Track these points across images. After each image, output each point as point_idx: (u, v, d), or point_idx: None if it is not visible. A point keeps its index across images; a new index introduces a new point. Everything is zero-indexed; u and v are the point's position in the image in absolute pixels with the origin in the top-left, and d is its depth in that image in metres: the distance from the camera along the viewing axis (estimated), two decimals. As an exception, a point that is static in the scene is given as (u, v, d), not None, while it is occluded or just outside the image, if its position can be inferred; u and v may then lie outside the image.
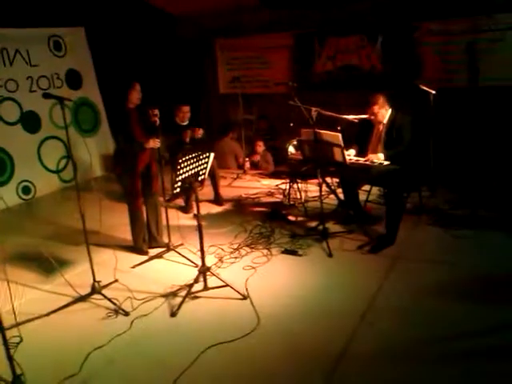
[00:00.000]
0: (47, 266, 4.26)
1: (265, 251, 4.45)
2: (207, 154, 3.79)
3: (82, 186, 3.83)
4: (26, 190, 6.58)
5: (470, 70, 5.96)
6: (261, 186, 6.61)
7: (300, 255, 4.34)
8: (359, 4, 6.85)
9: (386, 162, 4.46)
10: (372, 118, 4.73)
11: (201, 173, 3.77)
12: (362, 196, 5.33)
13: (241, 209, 5.79)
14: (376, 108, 4.67)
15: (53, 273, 4.24)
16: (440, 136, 5.66)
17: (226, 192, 6.27)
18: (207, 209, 5.66)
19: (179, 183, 3.54)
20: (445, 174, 5.90)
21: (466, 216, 4.95)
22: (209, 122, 8.12)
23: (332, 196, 5.57)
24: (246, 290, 3.77)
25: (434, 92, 5.37)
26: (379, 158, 4.56)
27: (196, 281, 3.74)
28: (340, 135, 4.34)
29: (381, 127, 4.78)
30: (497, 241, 4.42)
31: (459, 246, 4.38)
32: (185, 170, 3.55)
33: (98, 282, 3.80)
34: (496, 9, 6.12)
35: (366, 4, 6.83)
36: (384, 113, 4.72)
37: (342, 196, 5.08)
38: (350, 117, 4.99)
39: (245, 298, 3.64)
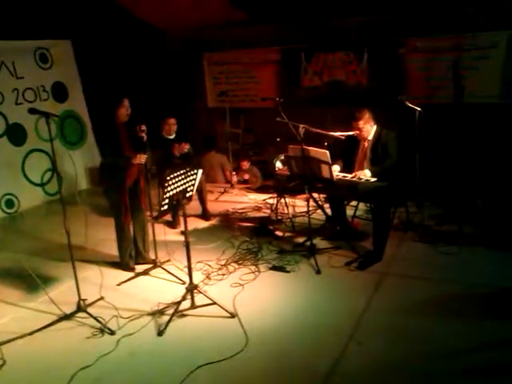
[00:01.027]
0: (31, 282, 4.20)
1: (252, 268, 4.43)
2: (195, 171, 3.78)
3: (67, 200, 3.80)
4: (10, 204, 6.49)
5: (455, 86, 6.04)
6: (248, 201, 6.61)
7: (288, 272, 4.33)
8: (345, 20, 6.94)
9: (372, 179, 4.49)
10: (357, 132, 4.77)
11: (188, 189, 3.75)
12: (350, 211, 5.36)
13: (228, 224, 5.77)
14: (361, 123, 4.71)
15: (36, 290, 4.16)
16: (425, 151, 5.72)
17: (213, 206, 6.24)
18: (194, 224, 5.63)
19: (167, 200, 3.51)
20: (430, 190, 5.96)
21: (451, 232, 5.00)
22: (196, 136, 8.11)
23: (319, 211, 5.58)
24: (234, 307, 3.74)
25: (419, 109, 5.44)
26: (366, 174, 4.59)
27: (183, 299, 3.70)
28: (328, 152, 4.36)
29: (366, 143, 4.82)
30: (482, 257, 4.47)
31: (446, 262, 4.42)
32: (173, 186, 3.53)
33: (84, 300, 3.75)
34: (479, 27, 6.25)
35: (352, 20, 6.92)
36: (369, 129, 4.77)
37: (329, 211, 5.09)
38: (337, 133, 5.03)
39: (233, 316, 3.61)
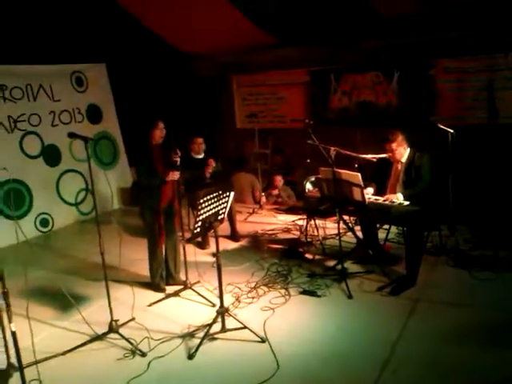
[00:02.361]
0: (64, 301, 4.24)
1: (282, 291, 4.40)
2: (227, 194, 3.80)
3: (100, 219, 3.84)
4: (45, 223, 6.66)
5: (489, 108, 5.96)
6: (277, 222, 6.59)
7: (319, 296, 4.27)
8: (374, 41, 6.94)
9: (405, 202, 4.43)
10: (390, 155, 4.72)
11: (221, 212, 3.77)
12: (381, 234, 5.28)
13: (257, 245, 5.77)
14: (394, 145, 4.65)
15: (70, 309, 4.22)
16: (458, 174, 5.62)
17: (242, 227, 6.25)
18: (223, 245, 5.62)
19: (200, 223, 3.54)
20: (464, 213, 5.83)
21: (486, 257, 4.87)
22: (225, 156, 8.19)
23: (350, 233, 5.52)
24: (265, 332, 3.71)
25: (451, 131, 5.37)
26: (398, 197, 4.53)
27: (214, 322, 3.69)
28: (359, 175, 4.33)
29: (399, 166, 4.76)
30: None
31: (481, 288, 4.30)
32: (206, 209, 3.55)
33: (116, 320, 3.78)
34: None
35: (382, 42, 6.92)
36: (402, 151, 4.71)
37: (360, 234, 5.03)
38: (369, 156, 4.98)
39: (263, 340, 3.58)
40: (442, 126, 5.45)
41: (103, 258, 3.75)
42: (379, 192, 4.77)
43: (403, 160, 4.71)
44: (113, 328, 3.74)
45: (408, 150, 4.72)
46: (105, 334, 3.74)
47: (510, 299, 4.06)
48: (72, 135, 3.72)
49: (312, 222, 5.78)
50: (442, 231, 5.28)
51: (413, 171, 4.62)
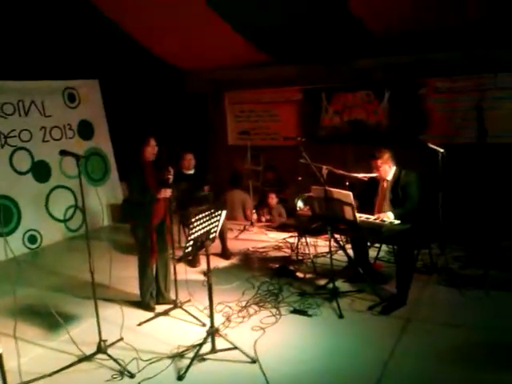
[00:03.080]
0: (52, 320, 4.17)
1: (273, 310, 4.36)
2: (219, 212, 3.79)
3: (90, 236, 3.79)
4: (33, 239, 6.59)
5: (479, 128, 6.03)
6: (268, 239, 6.58)
7: (310, 315, 4.24)
8: (365, 61, 7.04)
9: (396, 221, 4.44)
10: (375, 171, 4.77)
11: (212, 231, 3.76)
12: (372, 252, 5.29)
13: (248, 263, 5.74)
14: (379, 162, 4.72)
15: (57, 328, 4.15)
16: (448, 192, 5.66)
17: (232, 245, 6.22)
18: (214, 263, 5.57)
19: (191, 242, 3.52)
20: (454, 231, 5.86)
21: (477, 276, 4.88)
22: (216, 173, 8.20)
23: (341, 252, 5.52)
24: (255, 352, 3.67)
25: (442, 150, 5.42)
26: (389, 216, 4.55)
27: (204, 342, 3.65)
28: (351, 194, 4.35)
29: (385, 184, 4.82)
30: (510, 302, 4.34)
31: (472, 307, 4.30)
32: (197, 228, 3.53)
33: (104, 340, 3.72)
34: (501, 68, 6.27)
35: (373, 61, 7.02)
36: (387, 169, 4.77)
37: (351, 252, 5.03)
38: (360, 175, 5.02)
39: (254, 361, 3.54)
40: (432, 146, 5.50)
41: (93, 277, 3.70)
42: (367, 210, 4.79)
43: (389, 178, 4.77)
44: (101, 348, 3.68)
45: (394, 168, 4.77)
46: (93, 355, 3.68)
47: (500, 318, 4.06)
48: (63, 152, 3.70)
49: (303, 239, 5.78)
50: (433, 250, 5.30)
51: (399, 189, 4.67)
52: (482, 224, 5.77)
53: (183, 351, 3.74)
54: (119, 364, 3.56)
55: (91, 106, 7.57)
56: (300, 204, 5.82)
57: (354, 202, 4.35)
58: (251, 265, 5.67)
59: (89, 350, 3.72)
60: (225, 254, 5.91)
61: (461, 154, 6.24)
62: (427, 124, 6.83)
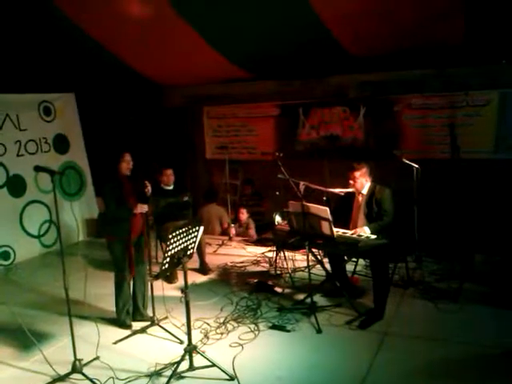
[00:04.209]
0: (25, 339, 4.08)
1: (252, 326, 4.35)
2: (197, 228, 3.78)
3: (65, 251, 3.71)
4: (6, 256, 6.43)
5: (452, 146, 6.18)
6: (246, 254, 6.57)
7: (288, 331, 4.24)
8: (342, 77, 7.17)
9: (372, 236, 4.50)
10: (351, 183, 4.85)
11: (189, 247, 3.74)
12: (349, 266, 5.33)
13: (226, 278, 5.72)
14: (357, 174, 4.80)
15: (30, 348, 4.06)
16: (423, 206, 5.77)
17: (211, 260, 6.19)
18: (192, 278, 5.55)
19: (168, 259, 3.49)
20: (429, 245, 5.97)
21: (452, 289, 4.96)
22: (195, 187, 8.19)
23: (319, 266, 5.55)
24: (234, 369, 3.64)
25: (416, 166, 5.53)
26: (365, 231, 4.61)
27: (181, 360, 3.61)
28: (328, 209, 4.39)
29: (360, 198, 4.89)
30: (483, 316, 4.43)
31: (447, 321, 4.37)
32: (174, 245, 3.51)
33: (79, 360, 3.65)
34: (472, 87, 6.46)
35: (349, 78, 7.16)
36: (364, 182, 4.85)
37: (328, 267, 5.06)
38: (337, 190, 5.08)
39: (232, 378, 3.52)
40: (406, 161, 5.62)
41: (67, 294, 3.63)
42: (341, 224, 4.84)
43: (364, 192, 4.85)
44: (76, 368, 3.60)
45: (369, 182, 4.85)
46: (67, 375, 3.60)
47: (474, 332, 4.13)
48: (38, 168, 3.65)
49: (281, 254, 5.79)
50: (409, 263, 5.38)
51: (374, 204, 4.75)
52: (456, 238, 5.88)
53: (161, 369, 3.69)
54: (95, 384, 3.49)
55: (67, 120, 7.48)
56: (278, 219, 5.83)
57: (330, 217, 4.39)
58: (230, 280, 5.64)
59: (63, 370, 3.64)
60: (203, 269, 5.88)
61: (435, 169, 6.39)
62: (402, 139, 6.97)
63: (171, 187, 6.01)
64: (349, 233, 4.65)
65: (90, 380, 3.51)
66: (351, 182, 4.84)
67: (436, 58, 6.19)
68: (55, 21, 5.78)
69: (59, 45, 6.37)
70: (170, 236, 3.47)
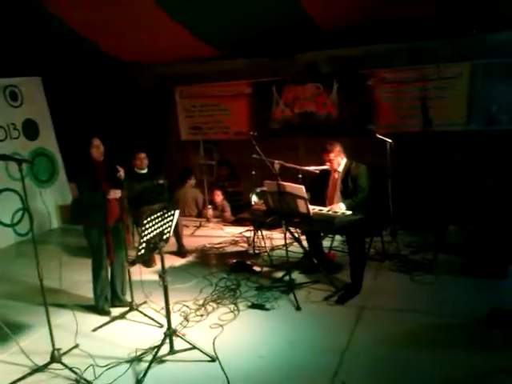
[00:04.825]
0: (1, 331, 4.01)
1: (231, 306, 4.37)
2: (172, 212, 3.74)
3: (39, 239, 3.65)
4: (-22, 246, 6.29)
5: (423, 117, 6.23)
6: (224, 234, 6.57)
7: (267, 309, 4.28)
8: (314, 53, 7.11)
9: (348, 212, 4.53)
10: (328, 164, 4.85)
11: (166, 231, 3.71)
12: (326, 242, 5.38)
13: (205, 260, 5.72)
14: (332, 155, 4.82)
15: (7, 340, 3.98)
16: (397, 179, 5.83)
17: (188, 242, 6.17)
18: (170, 261, 5.53)
19: (144, 244, 3.46)
20: (404, 218, 6.05)
21: (427, 261, 5.07)
22: (170, 169, 8.08)
23: (296, 243, 5.59)
24: (215, 350, 3.66)
25: (390, 141, 5.56)
26: (341, 207, 4.64)
27: (162, 344, 3.61)
28: (303, 187, 4.40)
29: (336, 175, 4.92)
30: (458, 286, 4.55)
31: (422, 292, 4.48)
32: (150, 230, 3.48)
33: (58, 349, 3.61)
34: (443, 59, 6.48)
35: (321, 53, 7.10)
36: (340, 161, 4.88)
37: (306, 244, 5.10)
38: (312, 168, 5.09)
39: (213, 360, 3.54)
40: (380, 136, 5.64)
41: (42, 284, 3.56)
42: (318, 201, 4.87)
43: (340, 169, 4.86)
44: (55, 358, 3.56)
45: (344, 159, 4.86)
46: (46, 365, 3.56)
47: (448, 302, 4.24)
48: (3, 157, 3.54)
49: (259, 233, 5.80)
50: (384, 237, 5.46)
51: (349, 180, 4.78)
52: (430, 209, 5.98)
53: (141, 354, 3.68)
54: (75, 372, 3.46)
55: (35, 105, 7.28)
56: (254, 198, 5.83)
57: (306, 195, 4.40)
58: (208, 261, 5.64)
59: (42, 361, 3.60)
60: (180, 251, 5.86)
61: (408, 143, 6.43)
62: (375, 114, 6.98)
63: (145, 171, 5.93)
64: (325, 210, 4.67)
65: (70, 369, 3.48)
66: (328, 163, 4.85)
67: (407, 31, 6.16)
68: (18, 1, 5.56)
69: (22, 26, 6.15)
70: (145, 221, 3.43)
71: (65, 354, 3.71)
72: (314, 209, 4.66)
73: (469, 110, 6.51)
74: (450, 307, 4.14)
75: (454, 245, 5.42)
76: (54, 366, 3.56)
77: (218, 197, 7.36)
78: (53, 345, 3.61)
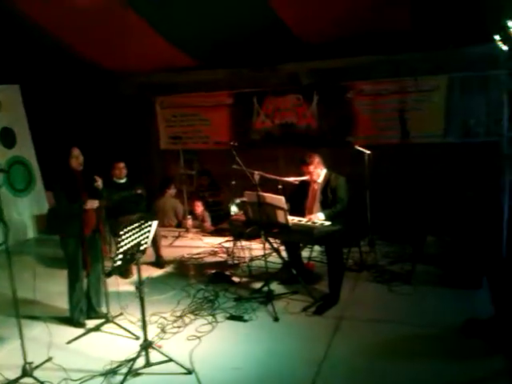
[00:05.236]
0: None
1: (209, 318, 4.33)
2: (150, 223, 3.71)
3: (14, 250, 3.57)
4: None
5: (402, 130, 6.31)
6: (204, 245, 6.53)
7: (246, 321, 4.25)
8: (294, 65, 7.17)
9: (326, 223, 4.55)
10: (308, 176, 4.87)
11: (143, 242, 3.67)
12: (305, 252, 5.38)
13: (183, 271, 5.66)
14: (311, 167, 4.85)
15: (-22, 353, 3.89)
16: (375, 190, 5.88)
17: (167, 252, 6.11)
18: (147, 272, 5.47)
19: (120, 256, 3.41)
20: (382, 228, 6.10)
21: (404, 271, 5.10)
22: (150, 179, 8.02)
23: (275, 254, 5.58)
24: (191, 362, 3.61)
25: (368, 152, 5.62)
26: (319, 217, 4.66)
27: (137, 356, 3.55)
28: (283, 198, 4.41)
29: (316, 186, 4.94)
30: (436, 296, 4.59)
31: (400, 302, 4.50)
32: (126, 241, 3.43)
33: (30, 363, 3.52)
34: (420, 72, 6.60)
35: (301, 65, 7.17)
36: (319, 172, 4.92)
37: (285, 254, 5.09)
38: (291, 179, 5.11)
39: (189, 372, 3.48)
40: (358, 147, 5.70)
41: (15, 295, 3.48)
42: (297, 212, 4.89)
43: (319, 180, 4.89)
44: (26, 372, 3.47)
45: (324, 170, 4.90)
46: (17, 380, 3.46)
47: (426, 313, 4.27)
48: (-23, 166, 3.45)
49: (238, 243, 5.78)
50: (362, 247, 5.49)
51: (329, 191, 4.82)
52: (408, 220, 6.04)
53: (116, 367, 3.61)
54: (47, 386, 3.38)
55: (12, 113, 7.17)
56: (234, 209, 5.82)
57: (286, 206, 4.41)
58: (187, 272, 5.59)
59: (13, 375, 3.50)
60: (158, 262, 5.79)
61: (386, 154, 6.50)
62: (354, 126, 7.05)
63: (124, 180, 5.88)
64: (304, 220, 4.68)
65: (42, 383, 3.40)
66: (308, 176, 4.87)
67: (385, 44, 6.26)
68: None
69: (1, 34, 6.07)
70: (122, 232, 3.39)
71: (37, 367, 3.61)
72: (293, 219, 4.67)
73: (446, 122, 6.64)
74: (427, 317, 4.17)
75: (431, 255, 5.49)
76: (26, 380, 3.47)
77: (199, 208, 7.33)
78: (25, 358, 3.51)
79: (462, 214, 6.10)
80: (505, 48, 5.07)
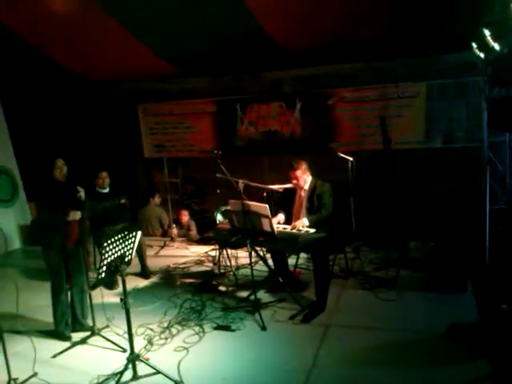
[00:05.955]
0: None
1: (196, 328, 4.31)
2: (134, 234, 3.68)
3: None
4: None
5: (383, 136, 6.39)
6: (190, 254, 6.51)
7: (233, 330, 4.24)
8: (277, 73, 7.22)
9: (311, 230, 4.58)
10: (294, 182, 4.90)
11: (127, 253, 3.64)
12: (291, 260, 5.40)
13: (169, 281, 5.63)
14: (299, 173, 4.87)
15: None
16: (359, 197, 5.93)
17: (152, 262, 6.07)
18: (133, 283, 5.43)
19: (104, 268, 3.38)
20: (366, 234, 6.16)
21: (389, 277, 5.15)
22: (134, 188, 7.97)
23: (262, 262, 5.59)
24: (179, 374, 3.59)
25: (351, 159, 5.68)
26: (304, 223, 4.69)
27: (124, 370, 3.52)
28: (267, 206, 4.42)
29: (302, 193, 4.97)
30: (420, 301, 4.65)
31: (386, 309, 4.53)
32: (110, 252, 3.41)
33: (15, 379, 3.46)
34: (401, 79, 6.70)
35: (284, 73, 7.22)
36: (306, 178, 4.94)
37: (271, 262, 5.10)
38: (276, 187, 5.12)
39: (178, 384, 3.47)
40: (341, 155, 5.75)
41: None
42: (285, 219, 4.91)
43: (306, 187, 4.92)
44: (11, 388, 3.42)
45: (310, 177, 4.93)
46: (2, 397, 3.42)
47: (411, 318, 4.31)
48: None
49: (224, 252, 5.77)
50: (348, 254, 5.52)
51: (315, 198, 4.84)
52: (392, 226, 6.10)
53: (103, 381, 3.57)
54: (32, 403, 3.33)
55: (-8, 123, 7.08)
56: (219, 217, 5.81)
57: (270, 215, 4.42)
58: (173, 282, 5.56)
59: (-3, 392, 3.45)
60: (144, 272, 5.75)
61: (369, 160, 6.59)
62: (337, 132, 7.12)
63: (107, 190, 5.82)
64: (289, 228, 4.70)
65: (27, 400, 3.35)
66: (294, 181, 4.89)
67: (365, 52, 6.35)
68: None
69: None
70: (105, 244, 3.36)
71: (22, 383, 3.56)
72: (278, 227, 4.69)
73: (427, 128, 6.74)
74: (412, 323, 4.20)
75: (416, 261, 5.54)
76: (11, 397, 3.42)
77: (185, 217, 7.31)
78: (9, 374, 3.45)
79: (445, 218, 6.19)
80: (482, 55, 5.20)
